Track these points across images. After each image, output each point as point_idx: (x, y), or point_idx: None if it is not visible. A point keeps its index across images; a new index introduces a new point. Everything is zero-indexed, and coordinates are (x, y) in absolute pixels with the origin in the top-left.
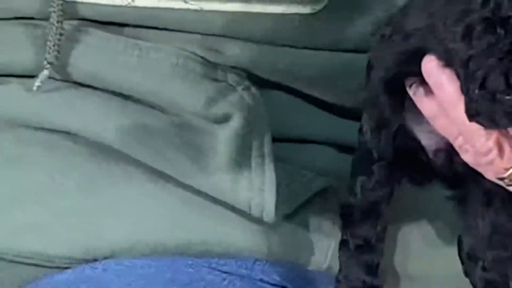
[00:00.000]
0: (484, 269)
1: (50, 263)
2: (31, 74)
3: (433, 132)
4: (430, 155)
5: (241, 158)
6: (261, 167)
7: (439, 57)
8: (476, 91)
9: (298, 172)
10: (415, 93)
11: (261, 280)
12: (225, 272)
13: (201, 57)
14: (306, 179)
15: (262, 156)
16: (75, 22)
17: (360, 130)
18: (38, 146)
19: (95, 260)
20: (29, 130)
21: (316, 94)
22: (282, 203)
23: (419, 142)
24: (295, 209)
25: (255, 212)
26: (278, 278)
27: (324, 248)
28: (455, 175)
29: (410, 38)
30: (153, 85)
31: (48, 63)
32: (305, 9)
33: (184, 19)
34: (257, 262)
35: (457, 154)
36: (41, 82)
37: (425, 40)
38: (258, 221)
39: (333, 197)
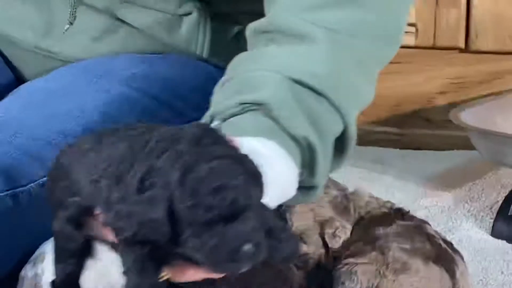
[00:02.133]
0: None
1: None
2: None
3: None
4: None
5: (194, 31)
6: (203, 35)
7: None
8: None
9: (224, 29)
10: None
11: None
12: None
13: None
14: (232, 30)
15: (204, 31)
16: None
17: None
18: None
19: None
20: None
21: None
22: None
23: None
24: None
25: (199, 54)
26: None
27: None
28: None
29: None
30: (155, 4)
31: (70, 22)
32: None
33: None
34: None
35: None
36: (65, 29)
37: None
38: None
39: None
